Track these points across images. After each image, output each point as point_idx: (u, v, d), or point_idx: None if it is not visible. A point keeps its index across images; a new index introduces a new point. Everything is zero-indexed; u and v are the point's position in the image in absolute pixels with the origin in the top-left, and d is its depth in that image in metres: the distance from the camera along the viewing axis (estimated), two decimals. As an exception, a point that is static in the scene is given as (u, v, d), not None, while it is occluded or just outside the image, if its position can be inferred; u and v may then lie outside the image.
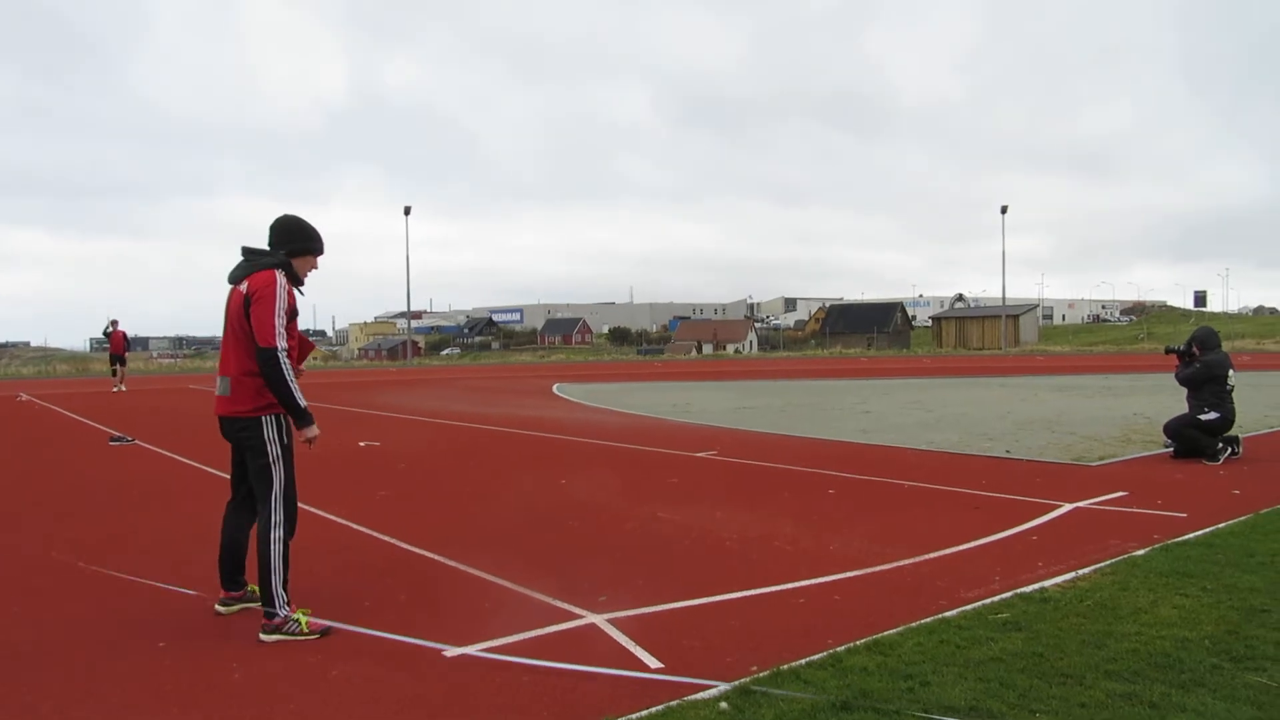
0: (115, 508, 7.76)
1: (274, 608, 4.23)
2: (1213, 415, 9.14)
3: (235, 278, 4.44)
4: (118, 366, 24.97)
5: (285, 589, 4.29)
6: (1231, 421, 9.23)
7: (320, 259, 4.66)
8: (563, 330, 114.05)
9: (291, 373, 4.28)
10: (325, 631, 4.26)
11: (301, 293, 4.51)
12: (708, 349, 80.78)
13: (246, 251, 4.49)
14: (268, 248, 4.49)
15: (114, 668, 3.90)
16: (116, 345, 24.86)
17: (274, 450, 4.35)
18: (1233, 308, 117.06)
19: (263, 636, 4.20)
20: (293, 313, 4.38)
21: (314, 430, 4.40)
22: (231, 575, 4.60)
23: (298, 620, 4.24)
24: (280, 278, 4.32)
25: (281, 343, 4.24)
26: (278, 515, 4.32)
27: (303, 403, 4.31)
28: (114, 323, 24.61)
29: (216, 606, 4.60)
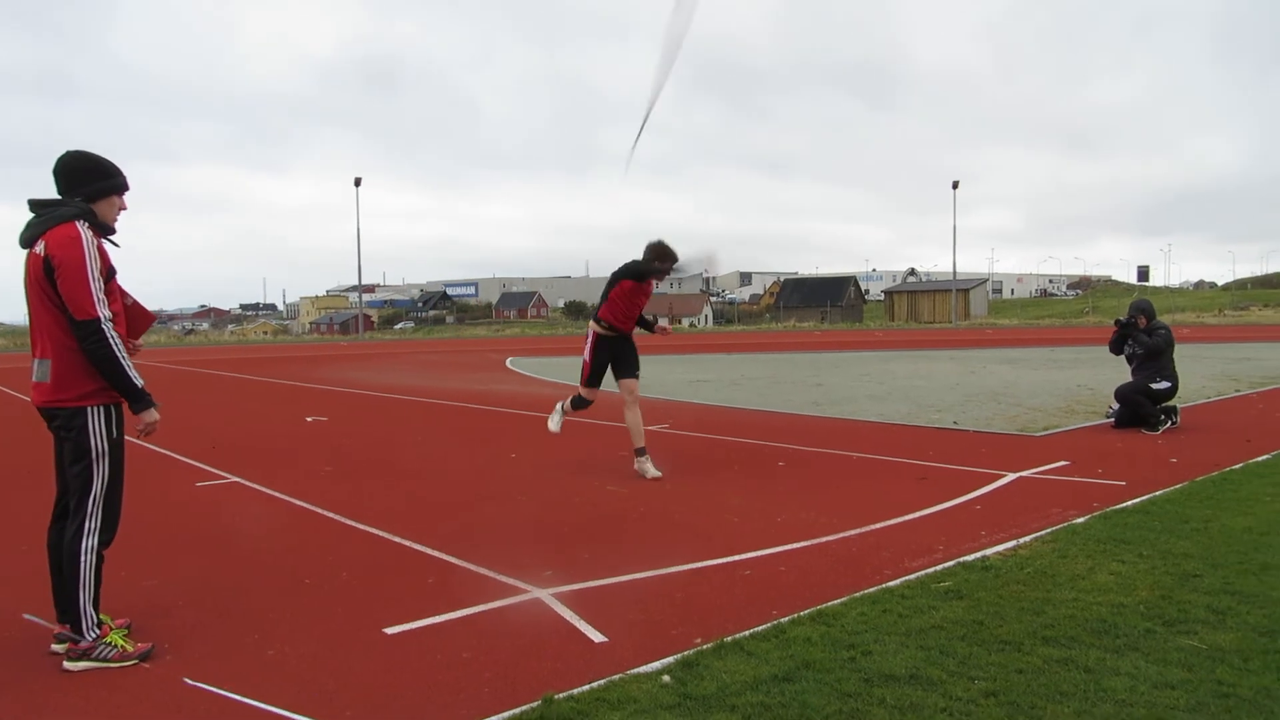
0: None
1: (81, 630, 3.59)
2: (1165, 384, 9.43)
3: (27, 238, 3.59)
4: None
5: (95, 608, 3.65)
6: (1177, 389, 9.53)
7: (128, 196, 3.81)
8: (518, 304, 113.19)
9: (121, 346, 3.59)
10: (147, 654, 3.64)
11: (115, 243, 3.75)
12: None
13: (35, 205, 3.63)
14: (59, 195, 3.65)
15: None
16: None
17: (99, 445, 3.64)
18: (1174, 282, 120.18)
19: (68, 665, 3.56)
20: (109, 271, 3.65)
21: (153, 415, 3.71)
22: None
23: (111, 643, 3.62)
24: (84, 230, 3.55)
25: (103, 310, 3.53)
26: (93, 522, 3.64)
27: (139, 382, 3.64)
28: None
29: (54, 646, 3.71)
